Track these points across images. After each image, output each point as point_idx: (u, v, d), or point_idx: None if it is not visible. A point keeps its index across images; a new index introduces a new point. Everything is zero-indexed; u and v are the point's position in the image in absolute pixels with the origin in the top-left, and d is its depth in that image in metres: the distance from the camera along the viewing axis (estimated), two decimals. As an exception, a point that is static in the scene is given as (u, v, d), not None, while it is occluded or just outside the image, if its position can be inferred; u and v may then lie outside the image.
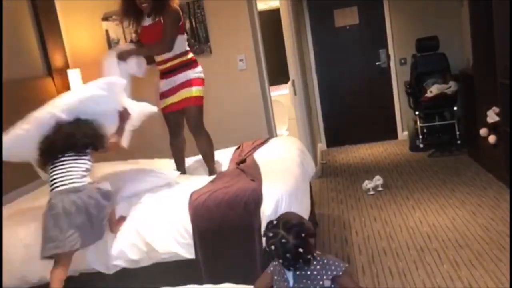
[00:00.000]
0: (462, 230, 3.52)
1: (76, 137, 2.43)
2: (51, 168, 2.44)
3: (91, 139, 2.48)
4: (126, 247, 2.60)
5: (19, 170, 3.36)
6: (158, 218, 2.62)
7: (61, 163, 2.42)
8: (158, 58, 3.34)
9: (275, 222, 1.88)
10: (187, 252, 2.56)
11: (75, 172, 2.41)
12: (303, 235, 1.81)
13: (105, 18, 4.51)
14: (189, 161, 3.71)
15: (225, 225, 2.52)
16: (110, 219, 2.59)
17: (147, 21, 3.25)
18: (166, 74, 3.36)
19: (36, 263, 2.49)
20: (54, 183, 2.40)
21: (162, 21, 3.17)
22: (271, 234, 1.84)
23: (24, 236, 2.67)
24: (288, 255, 1.80)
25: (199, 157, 3.53)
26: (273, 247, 1.82)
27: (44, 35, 4.13)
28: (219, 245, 2.52)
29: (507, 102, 3.85)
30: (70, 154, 2.43)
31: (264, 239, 2.03)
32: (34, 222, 2.62)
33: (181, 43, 3.29)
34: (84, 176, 2.45)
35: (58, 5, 4.46)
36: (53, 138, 2.43)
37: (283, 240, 1.80)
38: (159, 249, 2.56)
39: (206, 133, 3.43)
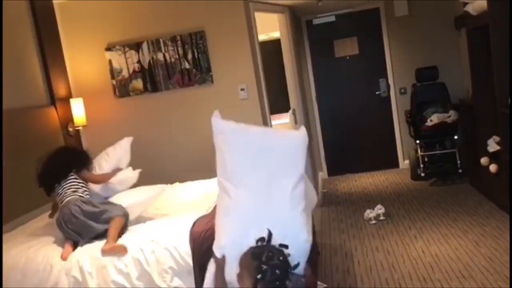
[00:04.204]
0: (466, 260, 3.48)
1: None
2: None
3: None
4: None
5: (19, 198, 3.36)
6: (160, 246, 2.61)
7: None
8: None
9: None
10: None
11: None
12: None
13: (109, 48, 4.57)
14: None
15: None
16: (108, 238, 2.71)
17: None
18: None
19: None
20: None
21: None
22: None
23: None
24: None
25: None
26: (277, 271, 1.93)
27: (48, 64, 4.18)
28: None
29: (507, 131, 3.87)
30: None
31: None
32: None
33: None
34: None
35: (62, 35, 4.53)
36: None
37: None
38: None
39: None
